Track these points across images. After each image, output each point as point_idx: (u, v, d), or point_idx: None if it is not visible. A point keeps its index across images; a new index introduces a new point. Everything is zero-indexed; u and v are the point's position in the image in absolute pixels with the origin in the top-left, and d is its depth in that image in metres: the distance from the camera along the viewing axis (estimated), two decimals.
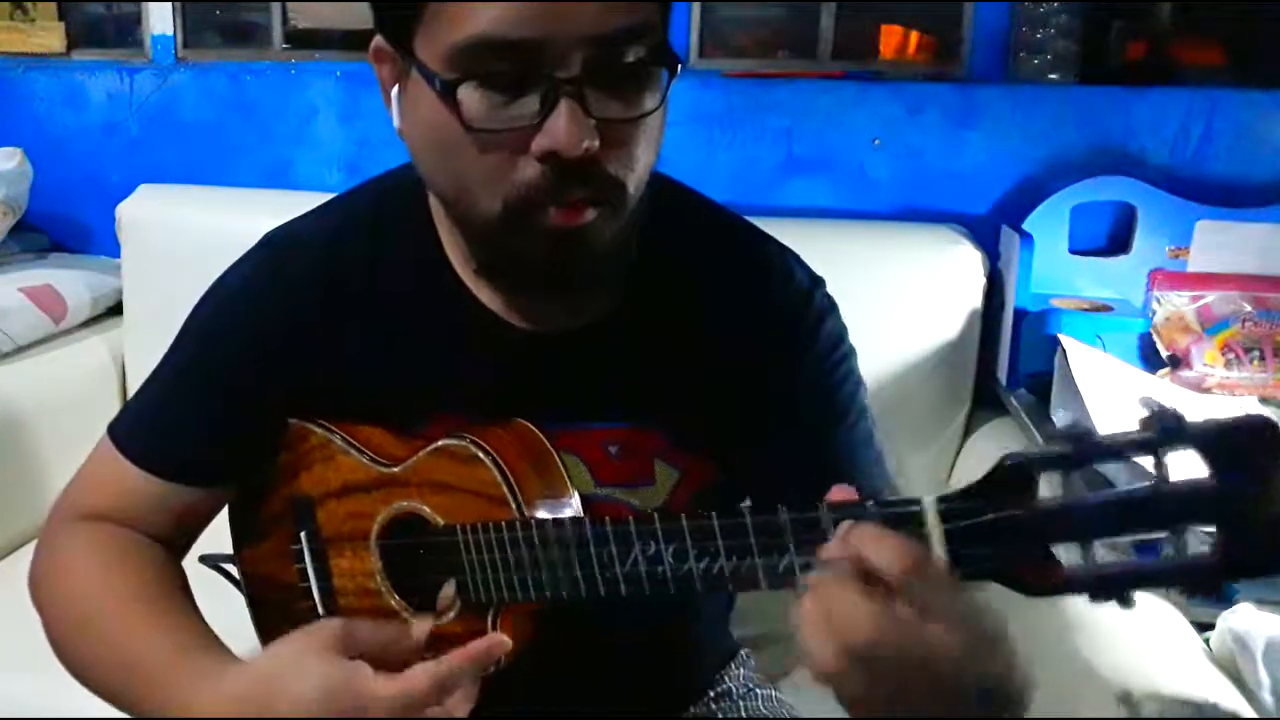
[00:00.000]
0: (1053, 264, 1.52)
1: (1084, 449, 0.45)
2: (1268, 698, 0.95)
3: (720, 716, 0.91)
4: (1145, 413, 0.43)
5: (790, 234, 0.81)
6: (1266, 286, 1.43)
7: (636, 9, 0.58)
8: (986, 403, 1.53)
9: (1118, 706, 0.85)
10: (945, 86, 1.63)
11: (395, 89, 0.64)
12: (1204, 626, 1.01)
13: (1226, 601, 1.15)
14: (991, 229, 1.58)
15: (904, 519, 0.49)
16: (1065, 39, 1.61)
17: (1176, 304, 1.45)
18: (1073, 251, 1.54)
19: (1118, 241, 1.56)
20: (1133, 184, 1.51)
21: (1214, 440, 0.42)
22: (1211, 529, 0.43)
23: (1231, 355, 1.41)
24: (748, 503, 0.57)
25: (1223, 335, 1.42)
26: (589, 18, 0.56)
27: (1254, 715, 0.82)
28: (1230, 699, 0.83)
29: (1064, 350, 1.30)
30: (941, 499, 0.49)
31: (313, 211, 0.79)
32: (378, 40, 0.64)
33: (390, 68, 0.64)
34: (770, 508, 0.53)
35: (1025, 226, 1.50)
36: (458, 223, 0.68)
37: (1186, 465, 0.43)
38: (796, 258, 0.79)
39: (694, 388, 0.74)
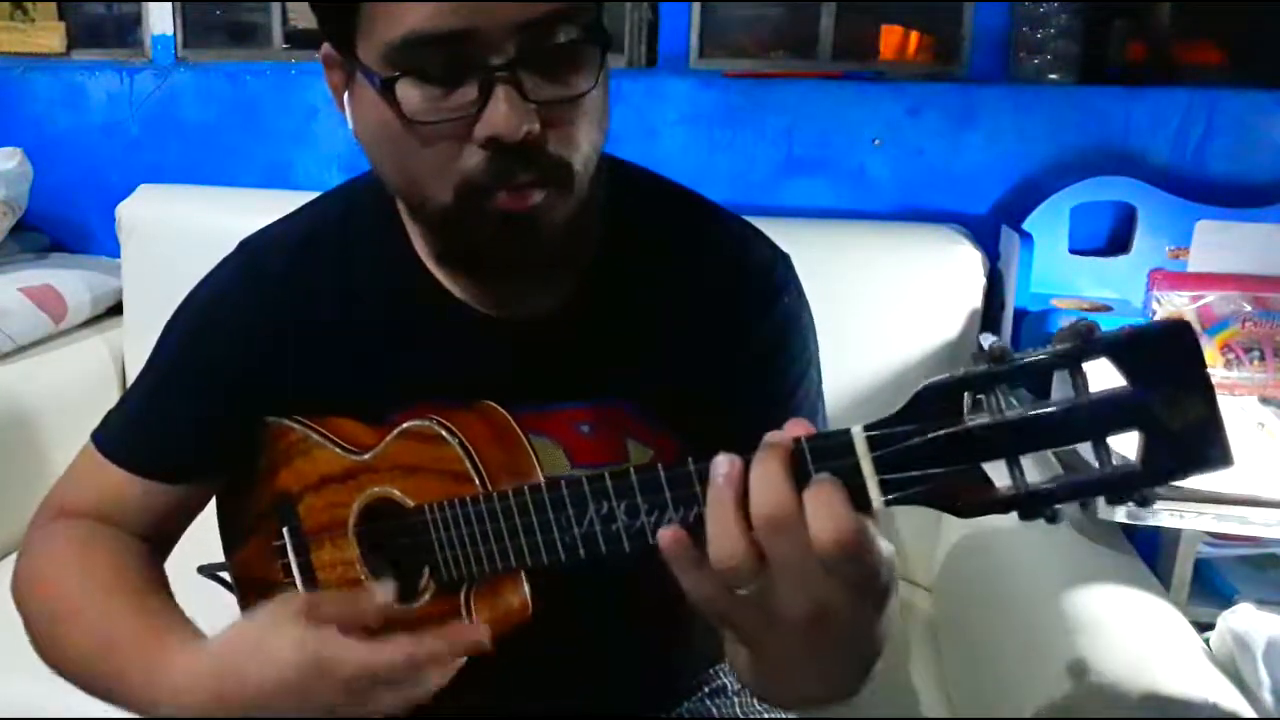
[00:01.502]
0: (1053, 264, 1.52)
1: (1004, 367, 0.45)
2: (1268, 698, 0.95)
3: (715, 713, 0.91)
4: (1062, 328, 0.44)
5: (790, 234, 0.81)
6: (1266, 286, 1.43)
7: None
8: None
9: (1117, 706, 0.85)
10: (945, 86, 1.63)
11: (346, 94, 0.66)
12: (1204, 626, 1.01)
13: (1226, 602, 1.16)
14: (991, 229, 1.58)
15: (835, 449, 0.50)
16: (1065, 39, 1.60)
17: (1176, 304, 1.45)
18: (1073, 251, 1.54)
19: (1118, 241, 1.56)
20: (1133, 184, 1.51)
21: (1128, 348, 0.43)
22: (1132, 435, 0.44)
23: (1231, 355, 1.41)
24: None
25: (1223, 335, 1.42)
26: (517, 5, 0.57)
27: (1254, 715, 0.82)
28: (1230, 699, 0.83)
29: None
30: (869, 426, 0.49)
31: (285, 216, 0.81)
32: (325, 47, 0.66)
33: (339, 73, 0.66)
34: (713, 456, 0.53)
35: (1025, 226, 1.50)
36: (415, 215, 0.70)
37: (1109, 376, 0.44)
38: (758, 232, 0.80)
39: (660, 363, 0.75)
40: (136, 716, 0.70)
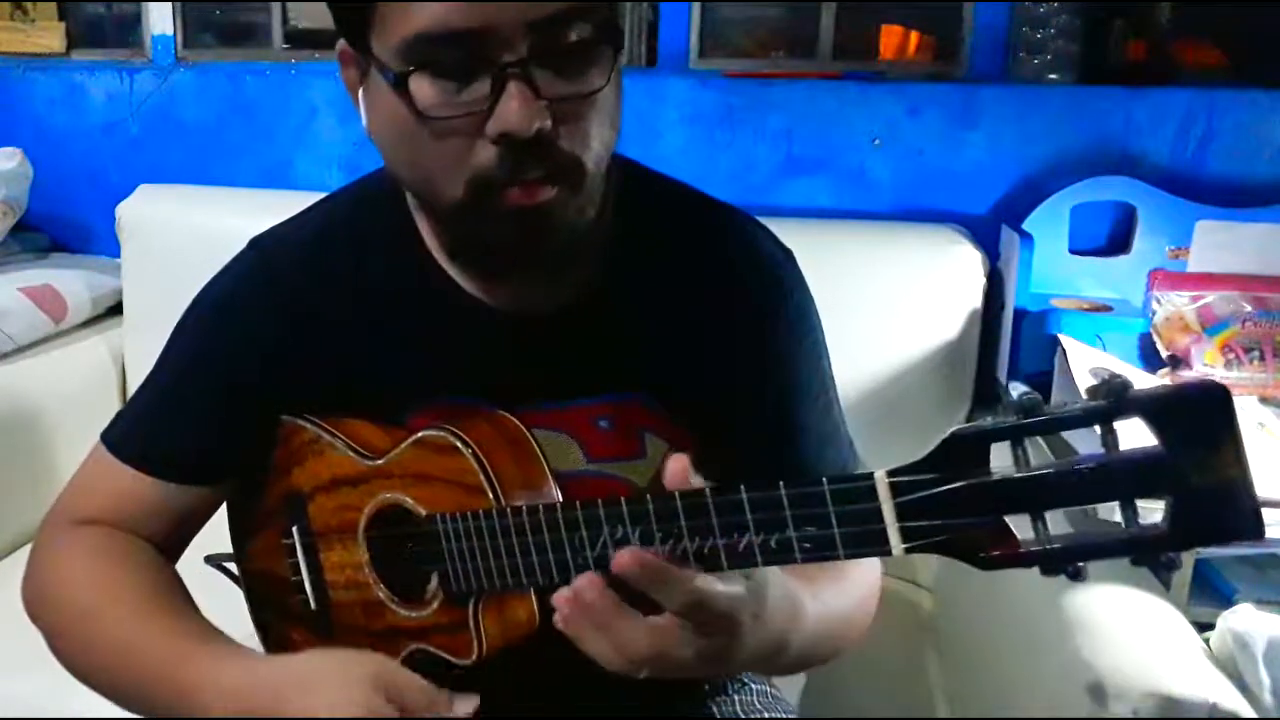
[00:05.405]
0: (1053, 264, 1.52)
1: (1034, 420, 0.44)
2: (1268, 698, 0.95)
3: (715, 713, 0.91)
4: (1094, 381, 0.43)
5: (790, 234, 0.81)
6: (1266, 286, 1.43)
7: None
8: (986, 402, 1.53)
9: (1117, 706, 0.85)
10: (945, 86, 1.63)
11: (361, 90, 0.66)
12: (1204, 626, 1.01)
13: (1226, 602, 1.16)
14: (991, 229, 1.58)
15: (856, 493, 0.49)
16: (1065, 39, 1.60)
17: (1176, 304, 1.45)
18: (1073, 251, 1.54)
19: (1118, 241, 1.56)
20: (1133, 184, 1.51)
21: (1162, 408, 0.42)
22: (1161, 499, 0.43)
23: (1231, 355, 1.41)
24: (710, 484, 0.57)
25: (1223, 335, 1.42)
26: (527, 4, 0.57)
27: (1254, 715, 0.82)
28: (1230, 699, 0.83)
29: (1064, 350, 1.30)
30: (892, 472, 0.48)
31: (296, 215, 0.81)
32: (341, 43, 0.66)
33: (355, 69, 0.66)
34: (732, 487, 0.53)
35: (1025, 226, 1.50)
36: (428, 211, 0.71)
37: (1140, 434, 0.42)
38: (766, 230, 0.80)
39: (676, 358, 0.75)
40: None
